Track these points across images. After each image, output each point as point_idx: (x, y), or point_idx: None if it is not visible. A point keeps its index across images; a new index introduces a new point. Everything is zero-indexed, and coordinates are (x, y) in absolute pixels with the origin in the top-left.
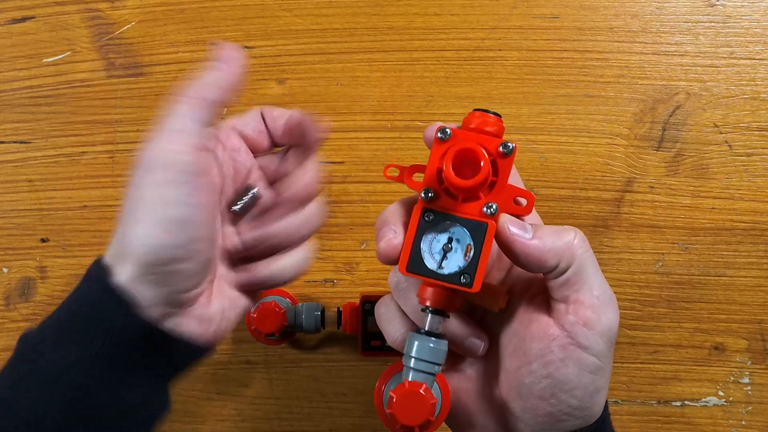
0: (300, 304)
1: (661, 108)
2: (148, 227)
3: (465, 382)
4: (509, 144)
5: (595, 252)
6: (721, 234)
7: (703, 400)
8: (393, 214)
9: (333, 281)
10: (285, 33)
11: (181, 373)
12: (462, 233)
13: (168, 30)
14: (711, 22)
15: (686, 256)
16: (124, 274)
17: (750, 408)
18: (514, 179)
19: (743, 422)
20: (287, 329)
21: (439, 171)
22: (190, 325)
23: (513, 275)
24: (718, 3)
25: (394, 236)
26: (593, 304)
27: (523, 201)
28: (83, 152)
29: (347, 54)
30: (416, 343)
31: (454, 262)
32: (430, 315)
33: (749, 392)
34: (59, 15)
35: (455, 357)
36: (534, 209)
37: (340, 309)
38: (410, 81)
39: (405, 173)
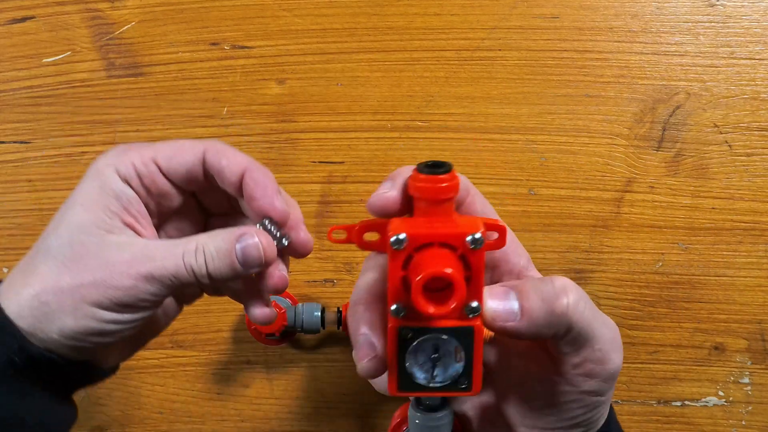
0: (300, 304)
1: (661, 108)
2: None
3: (465, 407)
4: (478, 237)
5: (595, 252)
6: (721, 234)
7: (703, 400)
8: (363, 316)
9: (333, 281)
10: (285, 33)
11: (85, 387)
12: (447, 340)
13: (168, 30)
14: (711, 22)
15: (686, 256)
16: (17, 303)
17: (750, 408)
18: (481, 202)
19: (743, 422)
20: (287, 329)
21: (404, 280)
22: (88, 354)
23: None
24: (718, 3)
25: (373, 352)
26: (596, 358)
27: (495, 234)
28: (83, 152)
29: (347, 54)
30: (421, 425)
31: (447, 370)
32: None
33: (749, 392)
34: (59, 15)
35: None
36: (511, 234)
37: (340, 309)
38: (410, 81)
39: (354, 235)
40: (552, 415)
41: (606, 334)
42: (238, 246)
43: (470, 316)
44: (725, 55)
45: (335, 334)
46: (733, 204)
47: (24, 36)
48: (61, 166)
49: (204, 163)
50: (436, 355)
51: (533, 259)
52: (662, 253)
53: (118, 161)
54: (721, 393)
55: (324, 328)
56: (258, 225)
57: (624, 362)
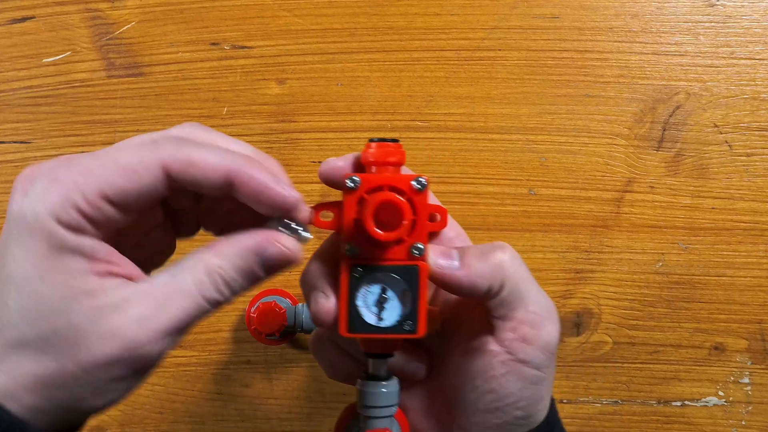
0: (300, 304)
1: (661, 108)
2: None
3: (412, 400)
4: (422, 179)
5: (595, 252)
6: (721, 234)
7: (703, 400)
8: (315, 274)
9: None
10: (285, 33)
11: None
12: (394, 280)
13: (168, 30)
14: (711, 22)
15: (686, 256)
16: None
17: (750, 408)
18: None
19: (743, 422)
20: (287, 329)
21: (357, 221)
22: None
23: (444, 291)
24: (718, 3)
25: (325, 300)
26: (531, 320)
27: (438, 216)
28: (83, 152)
29: (347, 54)
30: (367, 392)
31: (393, 311)
32: (374, 360)
33: (749, 392)
34: (59, 15)
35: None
36: (453, 221)
37: None
38: (410, 81)
39: (312, 214)
40: (491, 392)
41: (540, 300)
42: (258, 259)
43: (416, 254)
44: (725, 55)
45: None
46: (733, 204)
47: (24, 36)
48: None
49: (169, 179)
50: (384, 295)
51: (533, 258)
52: (662, 253)
53: (55, 206)
54: (721, 393)
55: None
56: (277, 226)
57: (624, 362)
